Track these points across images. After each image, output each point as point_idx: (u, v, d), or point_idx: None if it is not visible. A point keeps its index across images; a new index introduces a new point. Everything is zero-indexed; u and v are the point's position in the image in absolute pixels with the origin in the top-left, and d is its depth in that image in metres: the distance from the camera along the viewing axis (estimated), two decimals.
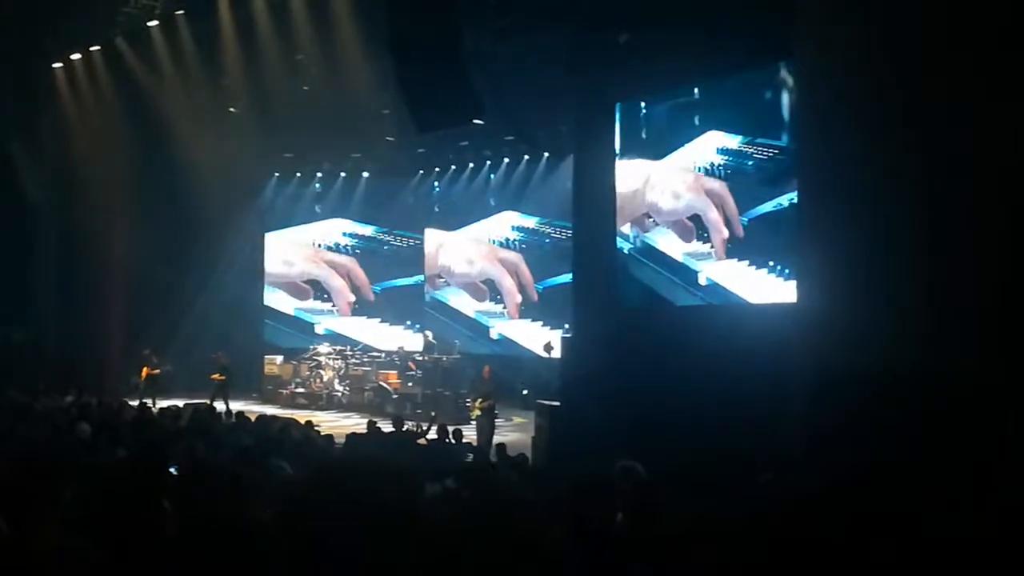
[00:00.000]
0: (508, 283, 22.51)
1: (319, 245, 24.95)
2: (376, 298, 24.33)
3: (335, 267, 24.69)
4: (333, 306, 24.75)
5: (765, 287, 11.60)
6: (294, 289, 25.08)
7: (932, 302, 7.10)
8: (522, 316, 22.42)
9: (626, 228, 13.28)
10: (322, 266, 24.85)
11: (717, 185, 12.08)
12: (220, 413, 15.07)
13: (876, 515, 2.15)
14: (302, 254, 25.09)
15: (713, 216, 12.10)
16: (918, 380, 6.86)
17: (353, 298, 24.49)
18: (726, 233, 11.93)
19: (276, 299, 25.18)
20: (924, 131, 7.28)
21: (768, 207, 11.54)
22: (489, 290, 23.05)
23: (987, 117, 6.83)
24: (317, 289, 24.92)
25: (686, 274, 12.59)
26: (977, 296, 6.82)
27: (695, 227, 12.47)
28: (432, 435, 12.33)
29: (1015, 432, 6.30)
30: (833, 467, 6.76)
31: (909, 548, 2.16)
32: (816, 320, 8.29)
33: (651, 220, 13.03)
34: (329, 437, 12.02)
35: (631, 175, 13.22)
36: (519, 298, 22.40)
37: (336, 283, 24.61)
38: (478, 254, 23.16)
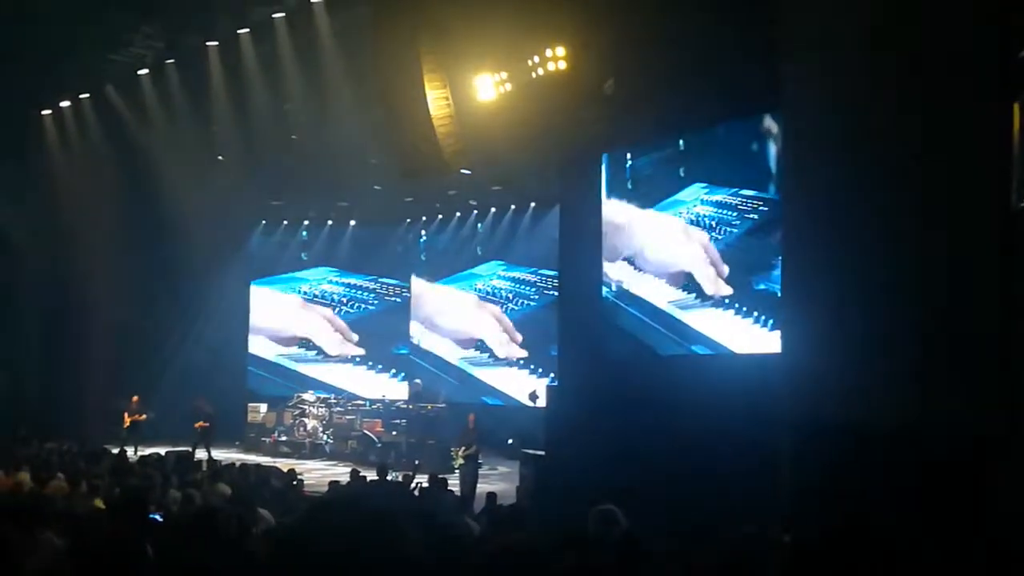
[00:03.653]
0: (494, 339, 22.53)
1: (305, 296, 24.86)
2: (364, 347, 24.24)
3: (322, 322, 24.63)
4: (318, 353, 24.64)
5: (749, 337, 11.60)
6: (278, 339, 25.03)
7: (918, 352, 7.11)
8: (509, 365, 22.36)
9: (611, 271, 13.27)
10: (308, 326, 24.83)
11: (704, 241, 12.11)
12: (201, 461, 14.91)
13: (866, 566, 2.15)
14: (286, 315, 25.02)
15: (701, 274, 12.11)
16: (905, 431, 6.86)
17: (341, 350, 24.40)
18: (716, 290, 11.92)
19: (260, 345, 25.05)
20: (909, 181, 7.35)
21: (754, 259, 11.57)
22: (474, 342, 23.00)
23: (973, 167, 6.89)
24: (302, 342, 24.85)
25: (669, 322, 12.59)
26: (964, 346, 6.84)
27: (680, 279, 12.48)
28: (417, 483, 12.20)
29: (1005, 482, 6.28)
30: (821, 518, 6.74)
31: None
32: (801, 370, 8.29)
33: (636, 268, 13.05)
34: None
35: (616, 213, 13.24)
36: (509, 349, 22.35)
37: (324, 339, 24.60)
38: (462, 317, 23.14)
